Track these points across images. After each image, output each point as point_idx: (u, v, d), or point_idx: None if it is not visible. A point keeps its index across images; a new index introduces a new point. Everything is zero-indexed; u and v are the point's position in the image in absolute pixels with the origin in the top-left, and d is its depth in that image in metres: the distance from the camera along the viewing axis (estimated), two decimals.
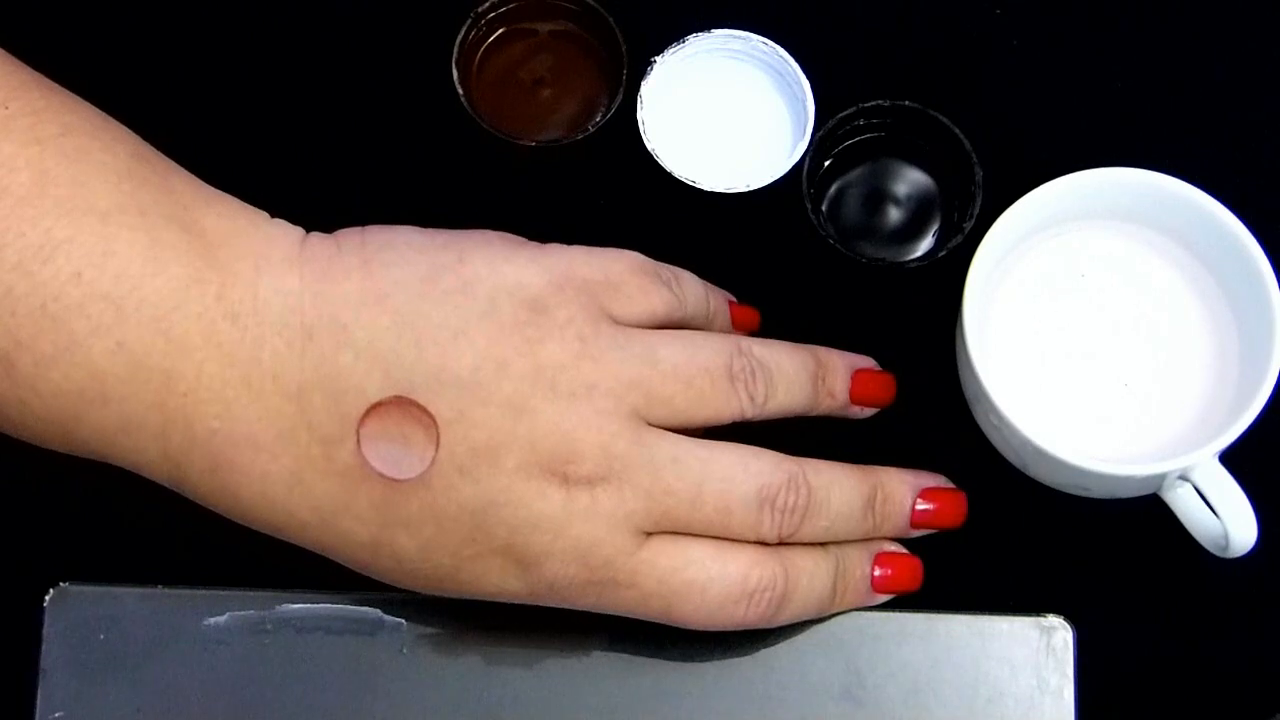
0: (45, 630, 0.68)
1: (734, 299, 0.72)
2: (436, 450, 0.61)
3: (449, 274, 0.63)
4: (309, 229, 0.65)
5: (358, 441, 0.61)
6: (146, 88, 0.75)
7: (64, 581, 0.69)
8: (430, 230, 0.65)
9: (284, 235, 0.64)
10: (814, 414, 0.69)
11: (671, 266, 0.68)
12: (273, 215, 0.65)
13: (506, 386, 0.62)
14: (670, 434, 0.65)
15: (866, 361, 0.71)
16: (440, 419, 0.61)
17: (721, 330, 0.70)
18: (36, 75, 0.64)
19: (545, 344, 0.62)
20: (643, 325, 0.66)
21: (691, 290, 0.68)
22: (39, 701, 0.68)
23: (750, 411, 0.66)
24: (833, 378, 0.69)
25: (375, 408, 0.61)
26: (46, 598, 0.68)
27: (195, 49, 0.77)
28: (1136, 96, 0.77)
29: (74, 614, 0.68)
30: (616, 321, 0.65)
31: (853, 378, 0.70)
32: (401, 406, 0.61)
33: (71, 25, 0.76)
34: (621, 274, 0.65)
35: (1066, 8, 0.78)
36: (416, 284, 0.63)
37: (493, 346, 0.62)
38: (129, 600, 0.68)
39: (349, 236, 0.64)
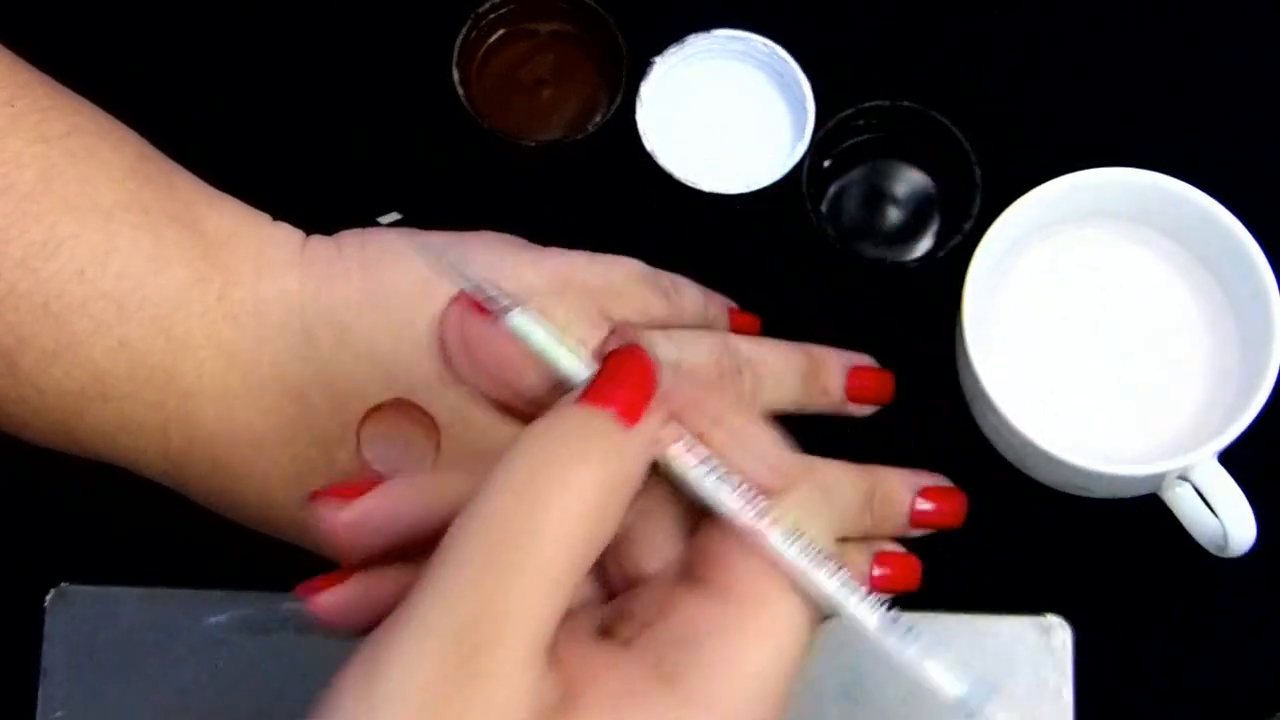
0: (45, 630, 0.68)
1: (735, 306, 0.71)
2: (436, 453, 0.61)
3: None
4: (310, 229, 0.65)
5: (358, 444, 0.61)
6: (148, 88, 0.75)
7: (64, 581, 0.69)
8: (431, 232, 0.65)
9: (285, 237, 0.64)
10: (809, 411, 0.69)
11: (671, 274, 0.68)
12: (274, 215, 0.65)
13: None
14: None
15: (863, 359, 0.71)
16: (441, 422, 0.61)
17: None
18: (42, 75, 0.64)
19: None
20: (642, 329, 0.66)
21: (690, 298, 0.68)
22: (39, 701, 0.68)
23: None
24: (827, 375, 0.69)
25: (375, 410, 0.61)
26: (46, 598, 0.68)
27: (196, 49, 0.77)
28: (1136, 96, 0.77)
29: (74, 614, 0.68)
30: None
31: (849, 375, 0.70)
32: (401, 409, 0.61)
33: (74, 26, 0.76)
34: (621, 281, 0.65)
35: (1066, 8, 0.78)
36: (417, 286, 0.63)
37: None
38: (129, 600, 0.68)
39: (350, 239, 0.64)
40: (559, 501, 0.47)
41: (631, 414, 0.49)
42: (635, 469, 0.50)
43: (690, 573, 0.51)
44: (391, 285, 0.63)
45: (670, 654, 0.48)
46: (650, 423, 0.50)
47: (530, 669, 0.46)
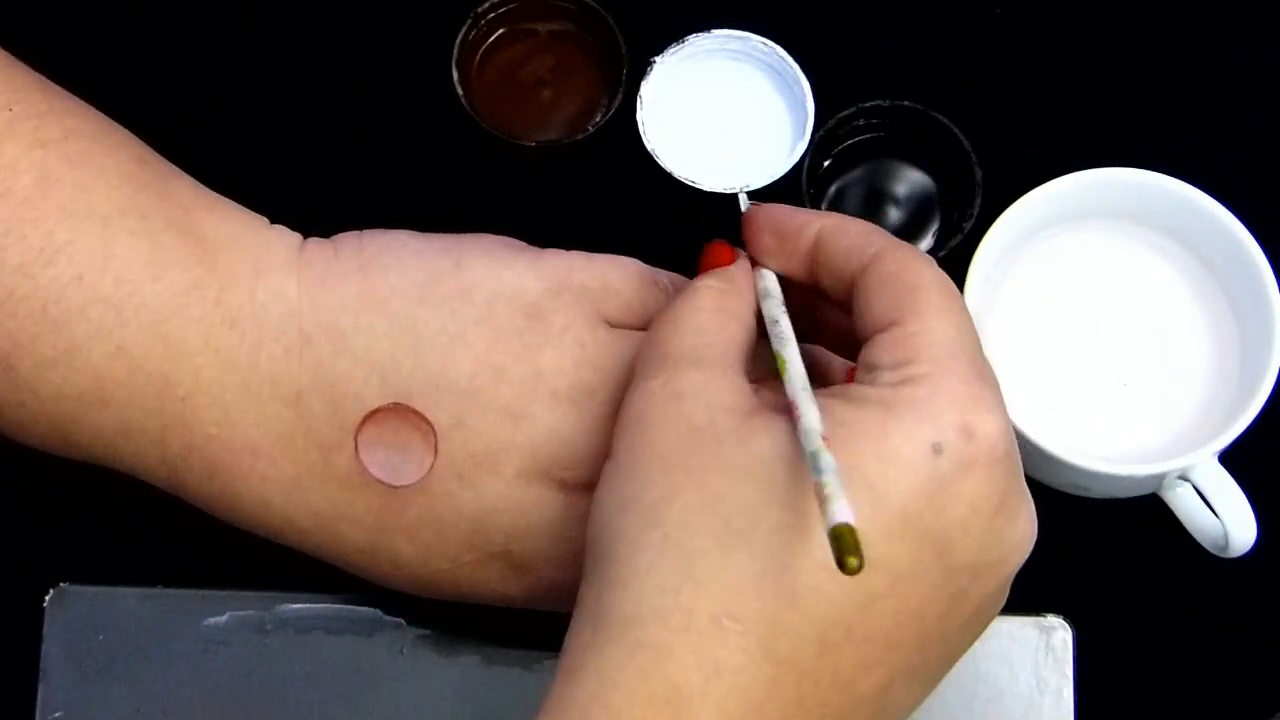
0: (45, 630, 0.68)
1: None
2: (435, 457, 0.61)
3: (447, 279, 0.63)
4: (309, 230, 0.65)
5: (356, 448, 0.61)
6: (147, 90, 0.75)
7: (64, 581, 0.69)
8: (428, 235, 0.65)
9: (282, 240, 0.64)
10: None
11: (670, 274, 0.68)
12: (273, 216, 0.65)
13: (505, 393, 0.62)
14: None
15: None
16: (438, 425, 0.61)
17: None
18: (39, 78, 0.64)
19: (544, 350, 0.62)
20: (638, 331, 0.65)
21: None
22: (39, 701, 0.68)
23: None
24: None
25: (373, 414, 0.61)
26: (46, 598, 0.68)
27: (195, 50, 0.77)
28: (1136, 96, 0.77)
29: (74, 614, 0.68)
30: (613, 327, 0.65)
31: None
32: (399, 413, 0.61)
33: (73, 27, 0.76)
34: (619, 281, 0.65)
35: (1066, 8, 0.78)
36: (414, 289, 0.63)
37: (491, 352, 0.62)
38: (129, 600, 0.68)
39: (347, 241, 0.64)
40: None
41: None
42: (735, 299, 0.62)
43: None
44: (389, 287, 0.63)
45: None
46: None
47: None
